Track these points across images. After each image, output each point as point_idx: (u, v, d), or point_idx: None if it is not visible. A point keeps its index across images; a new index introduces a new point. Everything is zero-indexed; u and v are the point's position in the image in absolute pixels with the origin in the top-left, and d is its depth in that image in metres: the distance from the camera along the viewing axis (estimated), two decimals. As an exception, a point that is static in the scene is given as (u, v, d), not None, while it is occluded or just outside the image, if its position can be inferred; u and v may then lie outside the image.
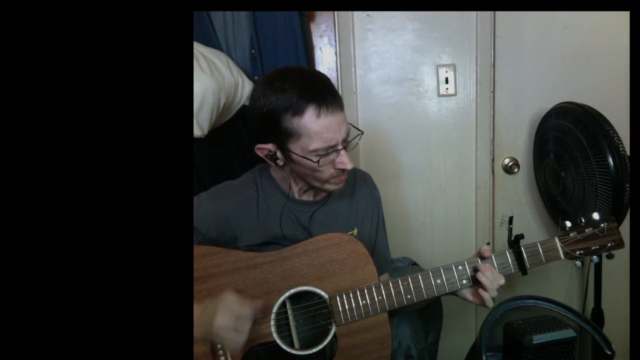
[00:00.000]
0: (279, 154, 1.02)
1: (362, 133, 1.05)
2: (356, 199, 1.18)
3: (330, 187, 1.05)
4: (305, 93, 0.94)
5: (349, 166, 1.00)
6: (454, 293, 1.07)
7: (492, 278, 1.01)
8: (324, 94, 0.96)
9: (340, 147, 0.99)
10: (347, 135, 1.01)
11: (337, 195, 1.15)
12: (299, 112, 0.94)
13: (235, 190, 1.10)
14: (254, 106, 0.99)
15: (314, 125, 0.95)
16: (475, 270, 1.02)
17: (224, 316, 0.90)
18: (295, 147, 0.98)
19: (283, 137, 0.97)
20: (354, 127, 1.04)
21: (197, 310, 0.92)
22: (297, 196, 1.11)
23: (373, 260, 1.04)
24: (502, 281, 1.02)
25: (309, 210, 1.11)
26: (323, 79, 1.00)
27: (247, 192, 1.10)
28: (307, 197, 1.12)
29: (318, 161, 0.97)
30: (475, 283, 1.03)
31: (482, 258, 1.04)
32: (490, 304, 1.02)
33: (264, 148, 1.02)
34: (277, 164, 1.04)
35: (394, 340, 1.12)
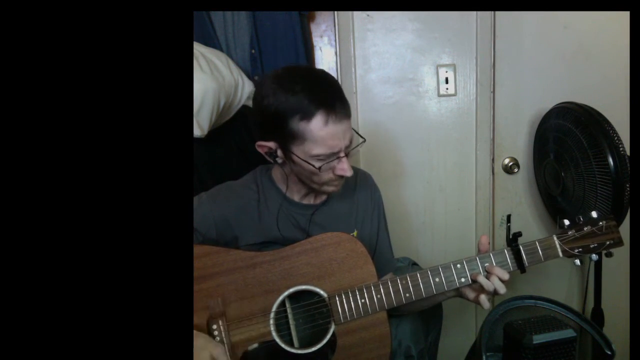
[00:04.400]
0: (279, 152, 1.02)
1: (364, 140, 1.05)
2: (356, 200, 1.18)
3: (327, 189, 1.05)
4: (315, 98, 0.94)
5: (348, 173, 1.00)
6: (458, 293, 1.07)
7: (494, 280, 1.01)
8: (333, 101, 0.96)
9: (342, 154, 0.99)
10: (351, 142, 1.01)
11: (336, 196, 1.15)
12: (307, 116, 0.94)
13: (236, 192, 1.10)
14: (262, 103, 0.98)
15: (320, 132, 0.95)
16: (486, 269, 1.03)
17: None
18: (297, 150, 0.98)
19: (287, 138, 0.97)
20: (357, 133, 1.04)
21: None
22: (296, 199, 1.11)
23: (373, 260, 1.04)
24: (505, 276, 1.02)
25: (308, 213, 1.11)
26: (333, 84, 1.00)
27: (248, 194, 1.10)
28: (308, 200, 1.13)
29: (320, 167, 0.97)
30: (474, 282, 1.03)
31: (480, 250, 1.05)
32: (486, 305, 1.03)
33: (265, 145, 1.02)
34: (276, 162, 1.04)
35: (394, 340, 1.12)
